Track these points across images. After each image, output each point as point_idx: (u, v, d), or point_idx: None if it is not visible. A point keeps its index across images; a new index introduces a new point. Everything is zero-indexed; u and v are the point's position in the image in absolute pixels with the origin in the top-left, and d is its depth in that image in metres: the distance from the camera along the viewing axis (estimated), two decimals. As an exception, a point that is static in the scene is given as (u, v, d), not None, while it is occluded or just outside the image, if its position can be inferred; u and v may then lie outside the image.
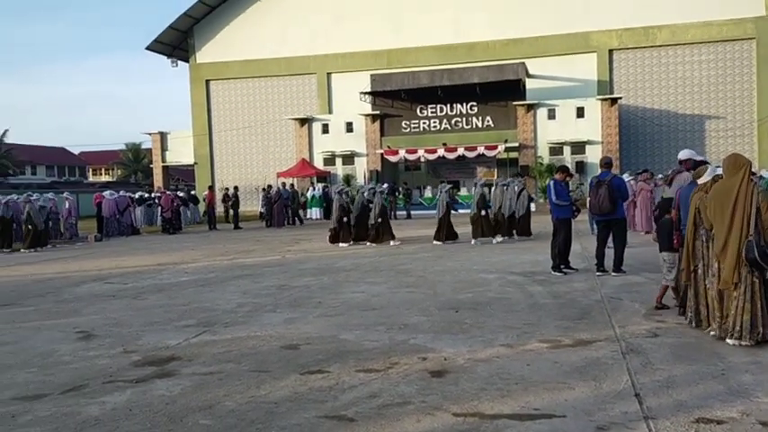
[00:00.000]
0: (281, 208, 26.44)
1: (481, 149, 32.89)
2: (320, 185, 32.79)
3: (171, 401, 4.70)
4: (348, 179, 34.46)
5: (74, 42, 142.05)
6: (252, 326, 7.24)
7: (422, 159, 34.81)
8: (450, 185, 18.37)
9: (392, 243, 16.36)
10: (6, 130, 61.14)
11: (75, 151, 78.77)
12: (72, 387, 5.16)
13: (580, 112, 32.95)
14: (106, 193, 24.44)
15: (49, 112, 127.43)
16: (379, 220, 16.60)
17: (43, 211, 20.23)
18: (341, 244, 16.53)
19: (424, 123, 34.99)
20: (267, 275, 11.51)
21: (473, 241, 15.76)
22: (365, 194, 17.18)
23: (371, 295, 9.01)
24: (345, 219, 16.78)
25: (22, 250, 18.51)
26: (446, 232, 16.31)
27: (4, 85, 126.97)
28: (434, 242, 16.25)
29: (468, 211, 16.85)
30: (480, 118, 34.34)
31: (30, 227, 19.03)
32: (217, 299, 9.18)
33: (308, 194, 31.63)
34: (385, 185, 17.92)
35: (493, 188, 17.04)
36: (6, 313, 8.68)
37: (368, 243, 16.56)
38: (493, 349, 5.81)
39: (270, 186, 28.03)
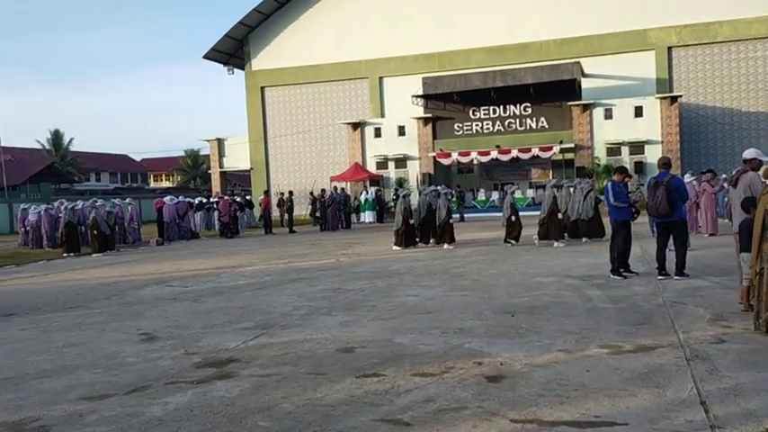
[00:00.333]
0: (335, 212, 26.67)
1: (535, 151, 32.48)
2: (373, 189, 32.94)
3: (230, 403, 4.80)
4: (401, 182, 34.52)
5: (136, 53, 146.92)
6: (308, 329, 7.32)
7: (474, 162, 34.59)
8: (515, 187, 18.27)
9: (446, 246, 16.29)
10: (72, 139, 63.80)
11: (137, 158, 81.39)
12: (136, 388, 5.32)
13: (638, 112, 32.16)
14: (167, 199, 25.14)
15: (113, 121, 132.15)
16: (452, 220, 16.66)
17: (111, 216, 21.00)
18: (394, 247, 16.58)
19: (476, 125, 34.76)
20: (322, 279, 11.62)
21: (536, 241, 15.54)
22: (427, 196, 17.20)
23: (425, 299, 8.99)
24: (412, 221, 16.85)
25: (93, 255, 19.15)
26: (517, 233, 16.13)
27: (69, 96, 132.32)
28: (510, 243, 16.02)
29: (532, 213, 16.71)
30: (534, 119, 33.91)
31: (95, 232, 19.73)
32: (273, 302, 9.32)
33: (362, 198, 31.81)
34: (439, 188, 17.86)
35: (554, 189, 16.76)
36: (73, 315, 9.02)
37: (437, 244, 16.54)
38: (551, 354, 5.72)
39: (323, 191, 28.35)
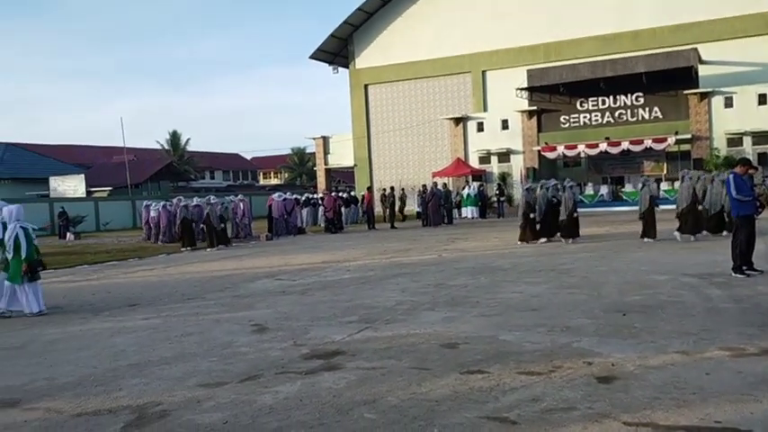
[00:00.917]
0: (436, 207, 26.64)
1: (648, 143, 30.96)
2: (475, 184, 32.62)
3: (337, 394, 4.90)
4: (504, 177, 34.00)
5: (247, 56, 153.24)
6: (411, 323, 7.36)
7: (582, 155, 33.48)
8: (652, 180, 17.56)
9: (570, 241, 15.83)
10: (188, 139, 67.45)
11: (248, 157, 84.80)
12: (248, 376, 5.55)
13: (762, 99, 29.94)
14: (275, 196, 26.03)
15: (225, 121, 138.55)
16: (575, 215, 16.22)
17: (226, 211, 22.07)
18: (519, 242, 16.36)
19: (584, 117, 33.62)
20: (424, 274, 11.64)
21: (678, 236, 14.82)
22: (548, 190, 16.82)
23: (531, 296, 8.80)
24: (532, 215, 16.56)
25: (208, 249, 20.17)
26: (653, 228, 15.48)
27: (186, 98, 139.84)
28: (644, 240, 15.36)
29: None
30: (647, 109, 32.35)
31: (209, 227, 20.75)
32: (377, 296, 9.44)
33: (464, 193, 31.58)
34: (565, 181, 17.25)
35: (691, 181, 15.89)
36: (191, 306, 9.54)
37: (562, 239, 16.15)
38: (666, 356, 5.44)
39: (424, 186, 28.39)
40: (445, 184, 31.13)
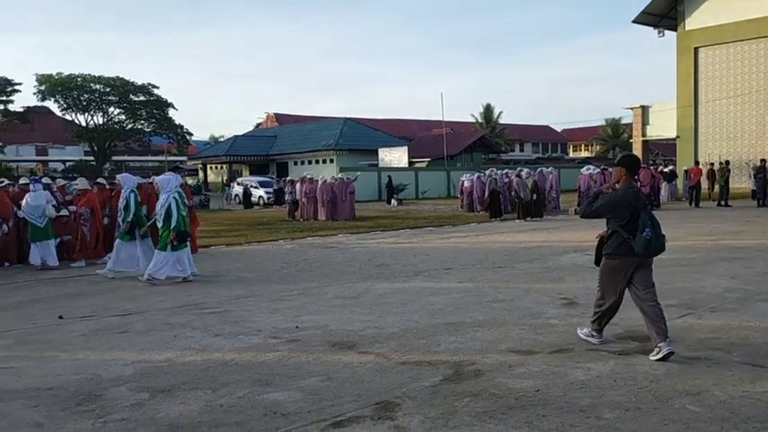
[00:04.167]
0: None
1: None
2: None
3: (655, 380, 4.63)
4: None
5: (561, 25, 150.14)
6: (743, 314, 6.59)
7: None
8: None
9: None
10: (501, 112, 68.97)
11: (558, 129, 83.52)
12: (559, 349, 5.55)
13: None
14: (583, 170, 25.29)
15: (537, 93, 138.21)
16: None
17: (528, 180, 22.13)
18: None
19: None
20: (760, 260, 10.28)
21: None
22: None
23: None
24: None
25: (516, 220, 20.53)
26: None
27: (501, 71, 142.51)
28: None
29: None
30: None
31: (518, 199, 21.02)
32: (701, 281, 8.65)
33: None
34: None
35: None
36: (501, 274, 9.82)
37: None
38: None
39: (764, 161, 24.77)
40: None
